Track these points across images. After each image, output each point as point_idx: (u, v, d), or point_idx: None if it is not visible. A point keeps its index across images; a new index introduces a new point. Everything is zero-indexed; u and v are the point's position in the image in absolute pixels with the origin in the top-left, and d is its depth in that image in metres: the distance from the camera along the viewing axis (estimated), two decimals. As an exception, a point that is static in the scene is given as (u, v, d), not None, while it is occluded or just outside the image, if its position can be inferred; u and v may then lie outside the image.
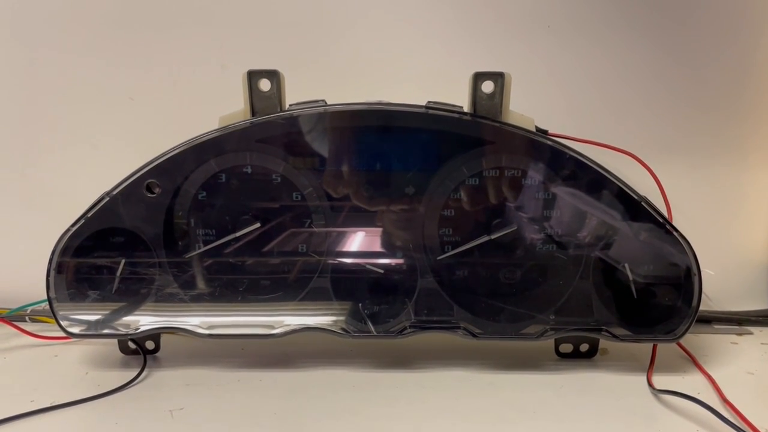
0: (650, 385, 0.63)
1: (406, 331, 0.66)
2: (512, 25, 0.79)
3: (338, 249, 0.68)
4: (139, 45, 0.79)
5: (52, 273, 0.64)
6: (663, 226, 0.64)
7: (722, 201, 0.83)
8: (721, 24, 0.78)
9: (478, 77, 0.63)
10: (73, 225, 0.64)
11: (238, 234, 0.66)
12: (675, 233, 0.63)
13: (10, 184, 0.83)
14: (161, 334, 0.70)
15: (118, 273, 0.66)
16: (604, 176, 0.63)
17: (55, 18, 0.79)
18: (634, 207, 0.64)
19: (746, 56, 0.79)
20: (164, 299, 0.67)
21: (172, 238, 0.66)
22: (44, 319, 0.78)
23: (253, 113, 0.64)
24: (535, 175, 0.65)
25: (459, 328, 0.66)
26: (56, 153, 0.82)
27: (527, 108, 0.67)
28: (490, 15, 0.78)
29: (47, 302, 0.65)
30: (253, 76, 0.63)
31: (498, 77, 0.63)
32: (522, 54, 0.79)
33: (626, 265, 0.65)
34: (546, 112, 0.71)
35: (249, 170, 0.65)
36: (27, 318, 0.79)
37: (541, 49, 0.79)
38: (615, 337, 0.65)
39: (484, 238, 0.66)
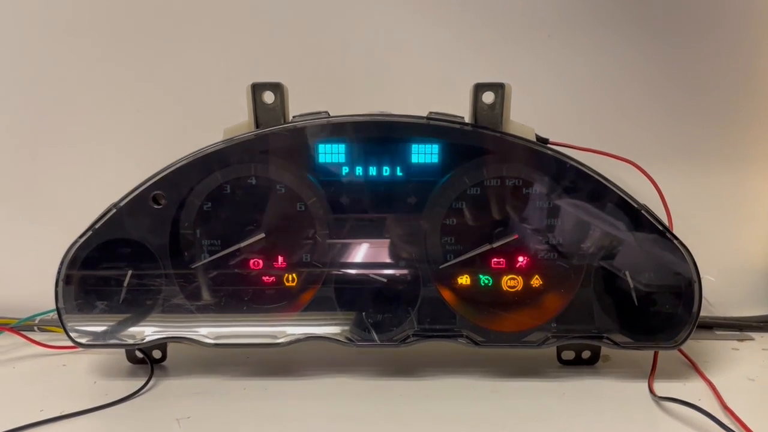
0: (651, 391, 0.63)
1: (409, 340, 0.67)
2: (512, 35, 0.79)
3: (342, 259, 0.68)
4: (145, 58, 0.80)
5: (61, 284, 0.65)
6: (663, 234, 0.64)
7: (723, 208, 0.83)
8: (724, 32, 0.79)
9: (479, 88, 0.64)
10: (81, 236, 0.65)
11: (243, 244, 0.67)
12: (675, 241, 0.64)
13: (19, 195, 0.84)
14: (168, 344, 0.70)
15: (125, 284, 0.67)
16: (605, 185, 0.64)
17: (62, 32, 0.80)
18: (634, 215, 0.65)
19: (749, 64, 0.80)
20: (171, 309, 0.68)
21: (178, 248, 0.67)
22: (53, 328, 0.79)
23: (258, 125, 0.65)
24: (535, 185, 0.66)
25: (461, 336, 0.67)
26: (64, 165, 0.83)
27: (528, 117, 0.68)
28: (491, 26, 0.79)
29: (55, 312, 0.66)
30: (257, 89, 0.64)
31: (498, 88, 0.64)
32: (522, 64, 0.80)
33: (627, 272, 0.66)
34: (546, 121, 0.71)
35: (253, 181, 0.66)
36: (36, 328, 0.79)
37: (542, 59, 0.80)
38: (616, 344, 0.66)
39: (486, 247, 0.67)
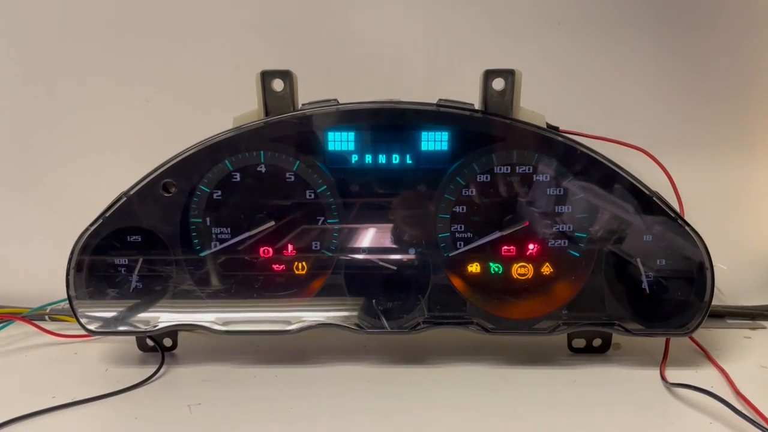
0: (663, 378, 0.63)
1: (419, 327, 0.67)
2: (523, 22, 0.79)
3: (351, 246, 0.68)
4: (154, 48, 0.81)
5: (72, 272, 0.66)
6: (675, 221, 0.64)
7: (734, 195, 0.83)
8: (732, 20, 0.78)
9: (489, 75, 0.64)
10: (91, 224, 0.65)
11: (252, 232, 0.67)
12: (687, 228, 0.64)
13: (30, 185, 0.85)
14: (178, 331, 0.71)
15: (136, 271, 0.67)
16: (616, 172, 0.64)
17: (71, 23, 0.80)
18: (645, 202, 0.64)
19: (757, 52, 0.79)
20: (181, 296, 0.68)
21: (188, 236, 0.67)
22: (64, 318, 0.79)
23: (267, 113, 0.65)
24: (546, 172, 0.65)
25: (472, 323, 0.67)
26: (75, 154, 0.83)
27: (538, 104, 0.68)
28: (500, 13, 0.79)
29: (67, 302, 0.66)
30: (266, 77, 0.64)
31: (509, 74, 0.63)
32: (533, 51, 0.79)
33: (638, 259, 0.66)
34: (557, 108, 0.71)
35: (263, 169, 0.66)
36: (47, 317, 0.80)
37: (552, 46, 0.79)
38: (628, 331, 0.66)
39: (496, 234, 0.67)
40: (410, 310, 0.67)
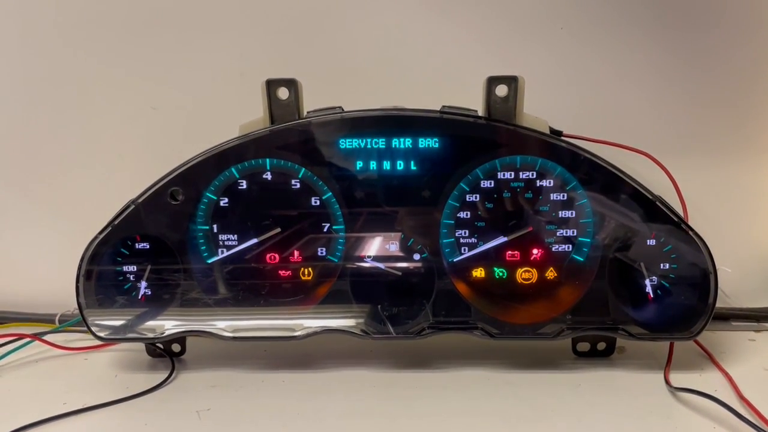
0: (667, 383, 0.63)
1: (424, 332, 0.67)
2: (525, 27, 0.79)
3: (357, 252, 0.69)
4: (159, 56, 0.81)
5: (81, 279, 0.66)
6: (678, 225, 0.64)
7: (738, 198, 0.83)
8: (735, 23, 0.78)
9: (492, 81, 0.64)
10: (100, 232, 0.66)
11: (259, 239, 0.68)
12: (690, 232, 0.64)
13: (39, 193, 0.85)
14: (187, 337, 0.71)
15: (145, 278, 0.68)
16: (619, 177, 0.64)
17: (76, 30, 0.81)
18: (649, 207, 0.64)
19: (760, 54, 0.79)
20: (189, 303, 0.69)
21: (195, 243, 0.68)
22: (72, 329, 0.79)
23: (272, 121, 0.66)
24: (549, 177, 0.66)
25: (476, 328, 0.67)
26: (82, 161, 0.84)
27: (541, 109, 0.68)
28: (503, 18, 0.79)
29: (78, 316, 0.67)
30: (271, 85, 0.65)
31: (511, 81, 0.64)
32: (535, 56, 0.80)
33: (642, 264, 0.66)
34: (560, 113, 0.71)
35: (269, 177, 0.67)
36: (57, 321, 0.80)
37: (555, 51, 0.79)
38: (632, 335, 0.66)
39: (500, 240, 0.67)
40: (415, 315, 0.68)
